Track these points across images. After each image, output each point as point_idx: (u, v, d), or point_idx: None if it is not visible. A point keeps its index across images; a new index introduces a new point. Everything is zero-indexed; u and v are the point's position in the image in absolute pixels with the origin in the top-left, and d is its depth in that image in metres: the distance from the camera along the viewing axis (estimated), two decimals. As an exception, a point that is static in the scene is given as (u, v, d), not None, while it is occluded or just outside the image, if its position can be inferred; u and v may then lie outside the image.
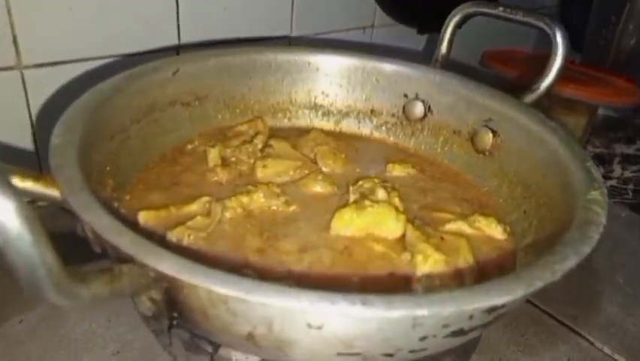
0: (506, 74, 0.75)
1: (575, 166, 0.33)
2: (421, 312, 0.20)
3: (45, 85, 0.51)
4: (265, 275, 0.31)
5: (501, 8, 0.45)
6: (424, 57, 0.86)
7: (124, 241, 0.22)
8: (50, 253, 0.18)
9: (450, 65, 0.51)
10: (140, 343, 0.41)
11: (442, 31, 0.50)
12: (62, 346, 0.40)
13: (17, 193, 0.17)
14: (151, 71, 0.41)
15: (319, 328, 0.22)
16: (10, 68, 0.49)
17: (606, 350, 0.46)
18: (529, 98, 0.43)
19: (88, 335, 0.42)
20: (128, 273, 0.22)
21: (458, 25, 0.49)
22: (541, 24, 0.43)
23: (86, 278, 0.20)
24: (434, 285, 0.31)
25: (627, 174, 0.82)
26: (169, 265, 0.21)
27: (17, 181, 0.25)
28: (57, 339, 0.41)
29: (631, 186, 0.77)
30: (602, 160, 0.84)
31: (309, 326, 0.22)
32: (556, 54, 0.42)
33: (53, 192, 0.27)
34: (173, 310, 0.25)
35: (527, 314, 0.48)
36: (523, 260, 0.35)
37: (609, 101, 0.81)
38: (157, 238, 0.33)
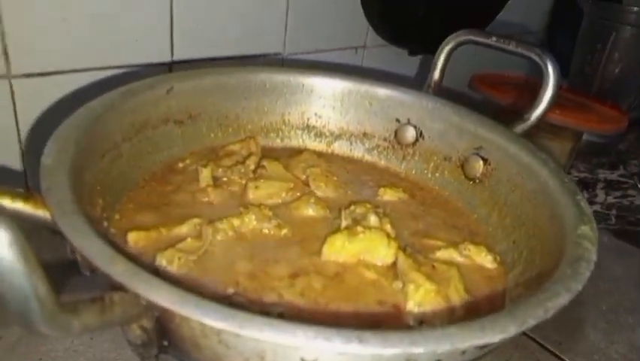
0: (495, 98, 0.76)
1: (564, 199, 0.34)
2: (417, 350, 0.20)
3: (34, 96, 0.50)
4: (256, 301, 0.31)
5: (494, 38, 0.46)
6: (418, 81, 0.87)
7: (116, 269, 0.22)
8: (43, 284, 0.17)
9: (442, 91, 0.51)
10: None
11: (435, 57, 0.50)
12: (42, 364, 0.39)
13: (10, 221, 0.17)
14: (145, 89, 0.41)
15: (313, 362, 0.22)
16: (-1, 77, 0.49)
17: (591, 378, 0.46)
18: (520, 127, 0.44)
19: (69, 353, 0.41)
20: (119, 302, 0.22)
21: (451, 52, 0.50)
22: (532, 55, 0.44)
23: (76, 309, 0.20)
24: (426, 316, 0.31)
25: (610, 199, 0.83)
26: (162, 296, 0.21)
27: (7, 202, 0.25)
28: (37, 357, 0.40)
29: (614, 212, 0.79)
30: (585, 185, 0.85)
31: (303, 360, 0.22)
32: (547, 85, 0.43)
33: (43, 214, 0.26)
34: (164, 339, 0.24)
35: (512, 339, 0.48)
36: (512, 290, 0.35)
37: (595, 128, 0.82)
38: (147, 260, 0.33)
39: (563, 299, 0.24)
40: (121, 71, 0.55)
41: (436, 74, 0.50)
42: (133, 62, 0.55)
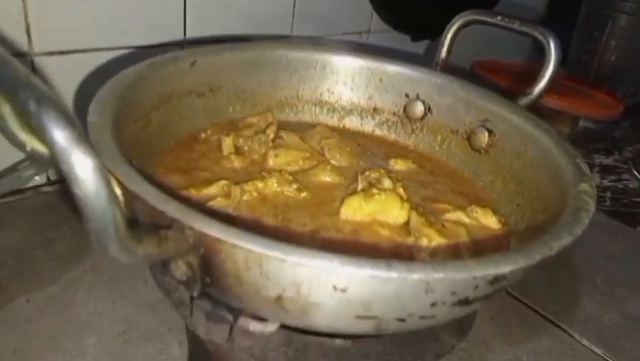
0: (494, 82, 0.79)
1: (565, 162, 0.37)
2: (437, 275, 0.23)
3: (53, 74, 0.53)
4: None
5: (499, 17, 0.48)
6: (423, 62, 0.89)
7: (170, 207, 0.24)
8: (120, 210, 0.20)
9: (448, 69, 0.54)
10: (146, 324, 0.43)
11: (443, 36, 0.53)
12: (69, 326, 0.42)
13: (93, 150, 0.19)
14: (170, 61, 0.43)
15: (344, 290, 0.24)
16: (22, 55, 0.51)
17: (585, 342, 0.49)
18: (523, 101, 0.47)
19: (94, 316, 0.43)
20: (172, 237, 0.24)
21: (458, 32, 0.53)
22: (535, 33, 0.47)
23: (140, 238, 0.22)
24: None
25: (605, 183, 0.86)
26: (214, 228, 0.23)
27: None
28: (64, 319, 0.42)
29: (609, 195, 0.81)
30: (581, 169, 0.87)
31: (335, 288, 0.24)
32: (549, 61, 0.46)
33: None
34: (207, 275, 0.27)
35: (512, 309, 0.51)
36: (517, 245, 0.38)
37: (591, 114, 0.85)
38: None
39: (566, 240, 0.27)
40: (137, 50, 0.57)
41: (443, 52, 0.53)
42: (148, 42, 0.57)
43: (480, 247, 0.37)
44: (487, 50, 0.89)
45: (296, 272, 0.24)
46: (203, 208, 0.34)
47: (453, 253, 0.34)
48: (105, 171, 0.19)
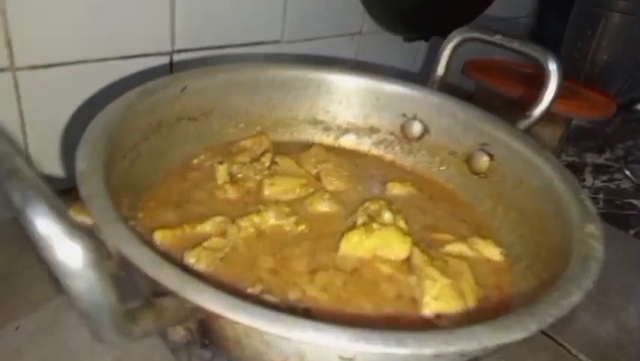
0: (487, 84, 0.78)
1: (569, 197, 0.36)
2: (449, 349, 0.22)
3: (37, 89, 0.51)
4: (282, 298, 0.33)
5: (498, 36, 0.47)
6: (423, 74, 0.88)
7: (166, 277, 0.23)
8: (114, 298, 0.19)
9: (446, 87, 0.53)
10: (141, 350, 0.42)
11: (439, 53, 0.52)
12: (61, 353, 0.40)
13: (86, 240, 0.18)
14: (160, 88, 0.42)
15: (351, 359, 0.23)
16: (2, 70, 0.49)
17: (581, 357, 0.49)
18: (523, 124, 0.46)
19: (87, 342, 0.41)
20: (169, 306, 0.23)
21: (455, 49, 0.51)
22: (535, 54, 0.46)
23: (136, 317, 0.21)
24: (441, 308, 0.33)
25: (598, 183, 0.85)
26: (212, 302, 0.22)
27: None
28: (56, 346, 0.41)
29: (602, 196, 0.81)
30: (574, 169, 0.87)
31: (341, 358, 0.23)
32: (549, 84, 0.45)
33: (83, 219, 0.27)
34: (206, 338, 0.26)
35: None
36: (520, 281, 0.37)
37: (586, 115, 0.84)
38: (174, 257, 0.34)
39: (576, 297, 0.26)
40: (124, 62, 0.55)
41: (440, 70, 0.52)
42: (135, 53, 0.55)
43: (482, 285, 0.36)
44: (478, 47, 0.87)
45: (300, 343, 0.23)
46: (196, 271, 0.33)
47: (458, 296, 0.33)
48: (99, 262, 0.18)
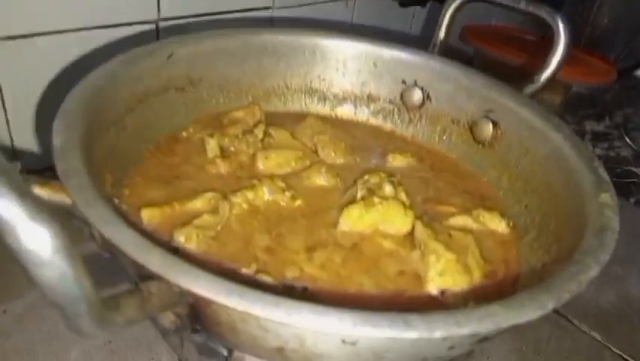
0: (486, 50, 0.76)
1: (581, 166, 0.34)
2: (461, 331, 0.20)
3: (16, 60, 0.48)
4: (279, 277, 0.31)
5: (504, -4, 0.44)
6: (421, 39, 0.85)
7: (153, 261, 0.21)
8: (89, 285, 0.17)
9: (448, 51, 0.50)
10: (132, 332, 0.40)
11: (441, 16, 0.49)
12: (51, 337, 0.39)
13: (53, 222, 0.16)
14: (145, 56, 0.39)
15: (353, 344, 0.22)
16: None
17: (584, 327, 0.48)
18: (529, 89, 0.44)
19: None
20: (156, 292, 0.21)
21: (457, 11, 0.49)
22: (543, 14, 0.43)
23: (118, 305, 0.19)
24: (446, 286, 0.31)
25: (598, 151, 0.84)
26: (204, 287, 0.20)
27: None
28: (45, 330, 0.40)
29: (602, 164, 0.80)
30: (574, 138, 0.85)
31: (344, 342, 0.22)
32: (557, 45, 0.43)
33: (62, 198, 0.25)
34: (197, 323, 0.24)
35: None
36: (528, 254, 0.36)
37: (586, 81, 0.82)
38: (163, 237, 0.32)
39: (594, 271, 0.24)
40: (108, 31, 0.52)
41: (442, 34, 0.49)
42: (119, 21, 0.52)
43: (488, 258, 0.35)
44: (476, 12, 0.84)
45: (300, 328, 0.21)
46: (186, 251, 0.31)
47: (463, 271, 0.32)
48: (69, 246, 0.16)
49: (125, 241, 0.21)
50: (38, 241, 0.15)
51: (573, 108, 0.93)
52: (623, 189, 0.73)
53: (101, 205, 0.23)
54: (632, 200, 0.72)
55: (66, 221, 0.19)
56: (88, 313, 0.17)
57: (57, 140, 0.27)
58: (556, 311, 0.49)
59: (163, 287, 0.22)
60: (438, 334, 0.20)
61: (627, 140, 0.87)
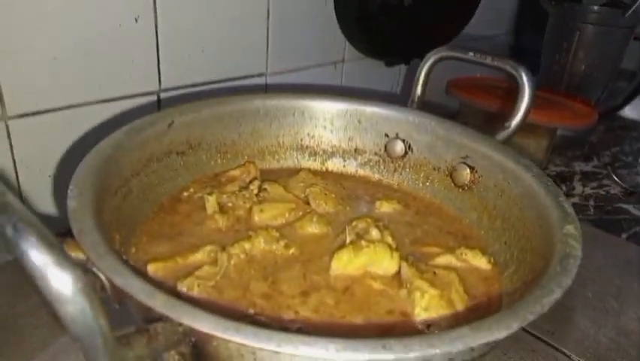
0: (472, 101, 0.80)
1: (549, 201, 0.37)
2: (434, 351, 0.23)
3: (29, 135, 0.52)
4: (275, 320, 0.33)
5: (471, 53, 0.49)
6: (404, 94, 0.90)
7: (158, 302, 0.24)
8: (106, 323, 0.19)
9: (424, 105, 0.54)
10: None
11: (417, 74, 0.54)
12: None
13: (77, 270, 0.19)
14: (148, 125, 0.43)
15: (341, 370, 0.24)
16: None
17: (582, 361, 0.49)
18: (501, 135, 0.47)
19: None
20: (162, 331, 0.24)
21: (431, 68, 0.53)
22: (507, 67, 0.48)
23: (129, 342, 0.22)
24: (432, 319, 0.34)
25: (587, 190, 0.86)
26: (204, 324, 0.23)
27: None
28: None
29: (592, 203, 0.82)
30: (563, 179, 0.88)
31: (332, 369, 0.24)
32: (523, 95, 0.47)
33: (77, 255, 0.28)
34: (200, 362, 0.26)
35: (513, 335, 0.51)
36: (509, 287, 0.38)
37: (569, 125, 0.86)
38: (167, 288, 0.35)
39: (556, 295, 0.27)
40: (113, 104, 0.56)
41: (419, 90, 0.54)
42: (123, 94, 0.57)
43: (472, 296, 0.37)
44: (460, 67, 0.90)
45: (292, 358, 0.24)
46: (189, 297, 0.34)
47: (447, 306, 0.34)
48: (90, 288, 0.19)
49: (133, 287, 0.24)
50: (63, 283, 0.18)
51: (561, 151, 0.97)
52: (614, 226, 0.75)
53: (112, 258, 0.27)
54: (624, 235, 0.74)
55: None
56: (103, 346, 0.19)
57: (71, 203, 0.31)
58: (554, 348, 0.51)
59: (168, 327, 0.24)
60: (412, 355, 0.22)
61: (615, 178, 0.90)
